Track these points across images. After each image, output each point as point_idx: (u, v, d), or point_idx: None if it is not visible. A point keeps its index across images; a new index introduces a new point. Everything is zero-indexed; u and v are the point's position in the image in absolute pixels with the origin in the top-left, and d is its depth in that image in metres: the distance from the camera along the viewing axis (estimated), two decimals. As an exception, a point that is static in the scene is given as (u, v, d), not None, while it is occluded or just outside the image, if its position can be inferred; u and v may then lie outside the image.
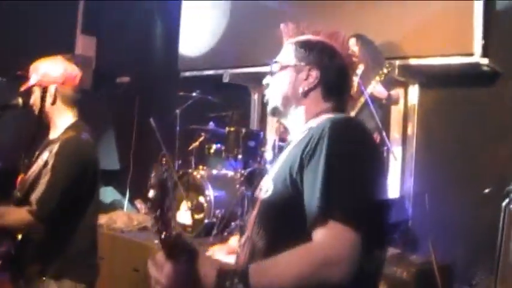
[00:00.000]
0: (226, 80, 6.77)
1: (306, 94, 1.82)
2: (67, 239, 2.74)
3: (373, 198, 1.51)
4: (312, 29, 1.91)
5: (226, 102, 6.19)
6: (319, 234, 1.45)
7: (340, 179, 1.49)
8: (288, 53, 1.87)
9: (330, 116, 1.74)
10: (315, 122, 1.73)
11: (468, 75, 5.18)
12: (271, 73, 1.90)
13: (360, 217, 1.45)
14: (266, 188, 1.69)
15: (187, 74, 7.28)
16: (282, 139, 5.33)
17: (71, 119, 2.87)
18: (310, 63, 1.81)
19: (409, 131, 5.65)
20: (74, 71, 2.91)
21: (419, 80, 5.56)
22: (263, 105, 7.14)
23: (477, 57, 4.88)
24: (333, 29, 1.90)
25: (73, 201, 2.71)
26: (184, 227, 5.37)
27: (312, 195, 1.50)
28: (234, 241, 4.68)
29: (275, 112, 1.88)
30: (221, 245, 4.53)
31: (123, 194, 6.82)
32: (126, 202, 6.61)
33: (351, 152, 1.55)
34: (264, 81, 1.93)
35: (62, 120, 2.86)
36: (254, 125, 7.02)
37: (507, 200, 3.07)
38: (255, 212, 1.75)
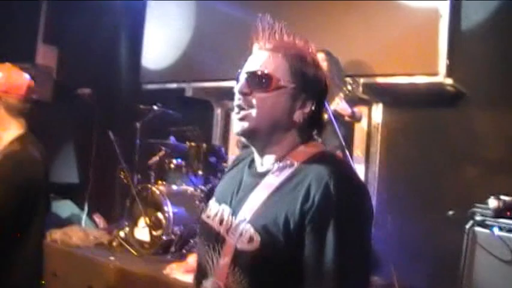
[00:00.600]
0: (189, 94, 6.66)
1: (293, 124, 1.62)
2: (4, 267, 2.50)
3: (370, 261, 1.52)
4: (295, 35, 1.69)
5: (188, 117, 6.10)
6: None
7: (351, 249, 1.45)
8: (280, 68, 1.60)
9: (310, 151, 1.62)
10: (295, 159, 1.60)
11: (432, 95, 5.14)
12: (253, 85, 1.61)
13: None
14: (247, 236, 1.52)
15: (149, 86, 7.13)
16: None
17: (16, 131, 2.68)
18: (307, 91, 1.61)
19: (372, 149, 5.59)
20: (20, 80, 2.72)
21: (384, 99, 5.51)
22: (226, 120, 7.21)
23: (441, 77, 4.86)
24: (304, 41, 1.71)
25: (12, 223, 2.49)
26: (141, 243, 5.22)
27: (321, 264, 1.43)
28: (192, 259, 4.60)
29: (251, 135, 1.63)
30: (179, 263, 4.48)
31: (82, 208, 6.62)
32: (84, 216, 6.41)
33: (360, 219, 1.50)
34: (239, 89, 1.62)
35: (6, 131, 2.66)
36: (216, 140, 6.92)
37: (471, 222, 3.01)
38: (227, 260, 1.55)
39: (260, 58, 1.64)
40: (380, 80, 5.22)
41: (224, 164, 5.53)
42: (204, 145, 5.41)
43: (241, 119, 1.61)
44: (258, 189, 1.59)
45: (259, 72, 1.61)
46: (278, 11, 5.68)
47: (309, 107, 1.61)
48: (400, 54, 5.04)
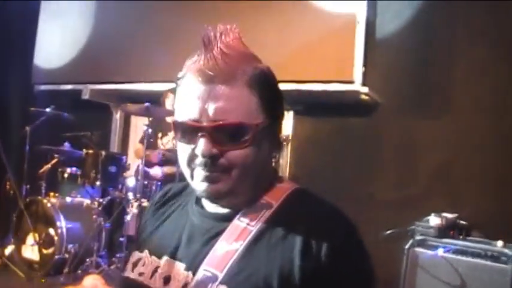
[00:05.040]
0: (85, 96, 6.29)
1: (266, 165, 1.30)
2: None
3: None
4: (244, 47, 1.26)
5: (85, 121, 5.74)
6: None
7: None
8: (249, 103, 1.18)
9: (284, 186, 1.30)
10: (271, 198, 1.26)
11: (347, 104, 5.02)
12: (223, 142, 1.18)
13: None
14: None
15: (42, 87, 6.66)
16: (148, 163, 4.88)
17: None
18: (278, 119, 1.28)
19: (282, 162, 5.34)
20: None
21: (295, 107, 5.30)
22: (125, 126, 6.82)
23: (357, 86, 4.76)
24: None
25: None
26: (30, 263, 4.84)
27: None
28: (88, 281, 4.15)
29: (227, 196, 1.22)
30: (74, 286, 4.03)
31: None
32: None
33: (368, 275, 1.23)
34: (202, 152, 1.17)
35: None
36: (115, 147, 6.55)
37: (410, 242, 2.77)
38: None
39: (216, 97, 1.17)
40: (292, 86, 4.98)
41: (124, 175, 5.11)
42: (103, 152, 5.00)
43: (214, 182, 1.21)
44: (226, 238, 1.21)
45: (229, 126, 1.17)
46: (184, 10, 5.49)
47: (274, 134, 1.28)
48: (315, 59, 4.94)
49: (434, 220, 2.71)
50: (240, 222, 1.21)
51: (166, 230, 1.36)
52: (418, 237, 2.74)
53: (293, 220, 1.19)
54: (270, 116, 1.21)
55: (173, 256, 1.27)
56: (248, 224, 1.21)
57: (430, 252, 2.70)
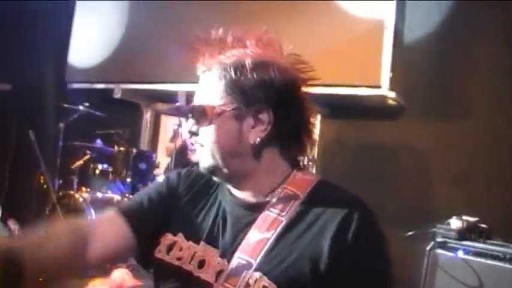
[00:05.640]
0: (117, 95, 6.36)
1: (259, 148, 1.35)
2: None
3: None
4: (235, 38, 1.40)
5: (116, 119, 5.83)
6: None
7: None
8: (215, 92, 1.36)
9: (309, 178, 1.39)
10: (297, 189, 1.35)
11: (373, 108, 5.04)
12: (196, 121, 1.39)
13: None
14: (260, 287, 1.23)
15: (76, 86, 6.76)
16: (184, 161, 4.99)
17: None
18: (254, 104, 1.34)
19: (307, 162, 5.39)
20: None
21: (323, 110, 5.35)
22: (155, 124, 6.94)
23: (385, 90, 4.76)
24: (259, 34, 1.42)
25: None
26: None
27: None
28: (117, 274, 4.27)
29: (213, 173, 1.41)
30: (103, 280, 4.14)
31: (-4, 213, 6.19)
32: (-3, 221, 5.97)
33: (389, 263, 1.31)
34: (190, 129, 1.41)
35: None
36: (145, 145, 6.65)
37: (431, 244, 2.84)
38: None
39: (200, 86, 1.42)
40: (319, 90, 5.03)
41: (154, 172, 5.23)
42: (134, 150, 5.10)
43: (200, 159, 1.42)
44: (258, 227, 1.30)
45: (194, 107, 1.40)
46: (215, 11, 5.54)
47: (266, 122, 1.34)
48: (342, 64, 4.91)
49: (455, 223, 2.77)
50: (270, 213, 1.31)
51: (200, 215, 1.43)
52: (439, 239, 2.80)
53: (321, 209, 1.29)
54: (241, 102, 1.33)
55: (208, 242, 1.35)
56: (278, 214, 1.29)
57: (450, 254, 2.75)
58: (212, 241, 1.35)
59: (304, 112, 1.38)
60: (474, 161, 4.59)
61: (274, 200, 1.32)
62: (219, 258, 1.31)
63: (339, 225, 1.24)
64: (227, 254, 1.30)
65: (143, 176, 5.16)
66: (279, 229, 1.28)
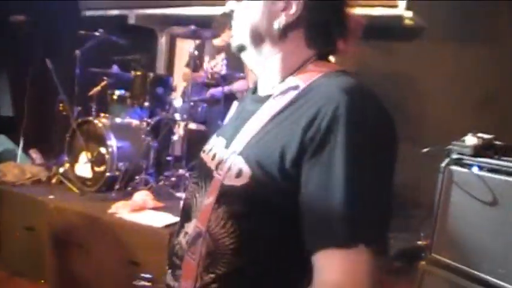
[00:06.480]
0: (132, 21, 6.34)
1: (284, 33, 1.32)
2: None
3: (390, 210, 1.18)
4: None
5: (132, 45, 5.73)
6: (342, 264, 1.10)
7: (367, 188, 1.13)
8: None
9: (321, 70, 1.30)
10: (302, 80, 1.28)
11: (391, 29, 4.97)
12: None
13: (385, 238, 1.16)
14: (236, 169, 1.24)
15: (89, 13, 6.73)
16: (200, 84, 4.98)
17: None
18: None
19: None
20: None
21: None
22: (171, 49, 6.93)
23: (401, 10, 4.70)
24: None
25: None
26: (83, 180, 4.93)
27: (325, 202, 1.12)
28: (138, 197, 4.36)
29: (238, 51, 1.42)
30: (125, 202, 4.24)
31: (16, 143, 6.26)
32: (19, 152, 6.05)
33: (379, 146, 1.16)
34: (228, 7, 1.42)
35: None
36: (161, 70, 6.66)
37: (446, 160, 2.85)
38: (212, 199, 1.27)
39: None
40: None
41: (171, 96, 5.24)
42: (151, 74, 5.09)
43: (233, 35, 1.43)
44: (256, 116, 1.31)
45: None
46: None
47: (294, 9, 1.31)
48: None
49: (470, 140, 2.76)
50: (269, 103, 1.30)
51: (233, 115, 1.51)
52: (454, 156, 2.81)
53: (310, 97, 1.22)
54: None
55: (224, 136, 1.41)
56: (274, 104, 1.28)
57: (465, 170, 2.77)
58: (226, 134, 1.41)
59: (341, 13, 1.34)
60: (499, 83, 4.54)
61: (277, 91, 1.32)
62: (224, 148, 1.35)
63: (315, 114, 1.16)
64: (228, 143, 1.34)
65: (161, 99, 5.16)
66: (267, 118, 1.27)
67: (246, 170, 1.22)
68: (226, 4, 1.41)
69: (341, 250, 1.09)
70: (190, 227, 1.33)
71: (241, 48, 1.40)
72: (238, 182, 1.22)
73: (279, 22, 1.32)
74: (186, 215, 1.38)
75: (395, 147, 1.20)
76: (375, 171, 1.14)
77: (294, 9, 1.30)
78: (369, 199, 1.12)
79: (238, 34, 1.39)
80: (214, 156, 1.37)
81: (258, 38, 1.36)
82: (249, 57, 1.42)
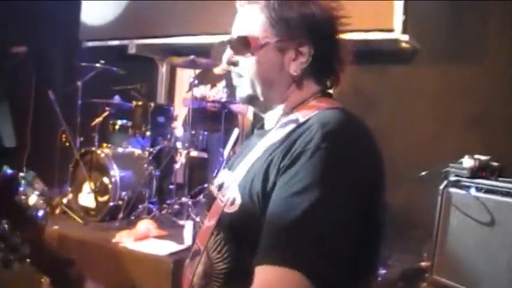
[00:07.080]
0: (132, 51, 6.40)
1: (300, 79, 1.39)
2: None
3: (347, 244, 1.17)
4: None
5: (132, 75, 5.81)
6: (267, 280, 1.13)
7: (321, 216, 1.14)
8: (257, 24, 1.39)
9: (320, 105, 1.35)
10: (302, 114, 1.34)
11: (387, 52, 5.03)
12: (235, 52, 1.43)
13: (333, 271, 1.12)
14: (232, 197, 1.31)
15: (90, 44, 6.82)
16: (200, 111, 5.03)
17: None
18: (297, 37, 1.37)
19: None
20: None
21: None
22: (171, 78, 6.98)
23: (397, 34, 4.76)
24: None
25: None
26: (87, 210, 4.97)
27: (280, 221, 1.15)
28: (142, 225, 4.39)
29: (248, 102, 1.47)
30: (128, 231, 4.27)
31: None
32: (22, 182, 6.08)
33: (348, 176, 1.19)
34: (226, 60, 1.46)
35: None
36: (162, 99, 6.71)
37: (445, 183, 2.89)
38: (213, 222, 1.34)
39: (238, 18, 1.46)
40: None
41: (172, 125, 5.29)
42: (152, 104, 5.14)
43: (237, 88, 1.48)
44: (256, 148, 1.37)
45: (235, 38, 1.43)
46: None
47: (307, 54, 1.37)
48: (355, 8, 4.84)
49: (467, 162, 2.81)
50: (270, 135, 1.36)
51: (243, 152, 1.50)
52: (452, 178, 2.85)
53: (300, 131, 1.26)
54: (284, 34, 1.37)
55: (229, 168, 1.47)
56: (273, 137, 1.34)
57: (463, 192, 2.81)
58: (231, 167, 1.47)
59: (340, 47, 1.41)
60: (488, 104, 4.60)
61: (278, 125, 1.38)
62: (230, 179, 1.40)
63: (294, 143, 1.23)
64: (233, 175, 1.40)
65: (162, 128, 5.21)
66: (263, 148, 1.33)
67: (238, 198, 1.29)
68: (224, 36, 1.47)
69: (276, 268, 1.11)
70: (194, 247, 1.42)
71: (251, 98, 1.45)
72: (232, 209, 1.30)
73: (294, 71, 1.38)
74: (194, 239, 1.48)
75: (366, 183, 1.22)
76: (335, 201, 1.15)
77: (305, 55, 1.37)
78: (319, 227, 1.13)
79: (246, 85, 1.44)
80: (220, 187, 1.43)
81: (269, 87, 1.42)
82: (258, 105, 1.48)
